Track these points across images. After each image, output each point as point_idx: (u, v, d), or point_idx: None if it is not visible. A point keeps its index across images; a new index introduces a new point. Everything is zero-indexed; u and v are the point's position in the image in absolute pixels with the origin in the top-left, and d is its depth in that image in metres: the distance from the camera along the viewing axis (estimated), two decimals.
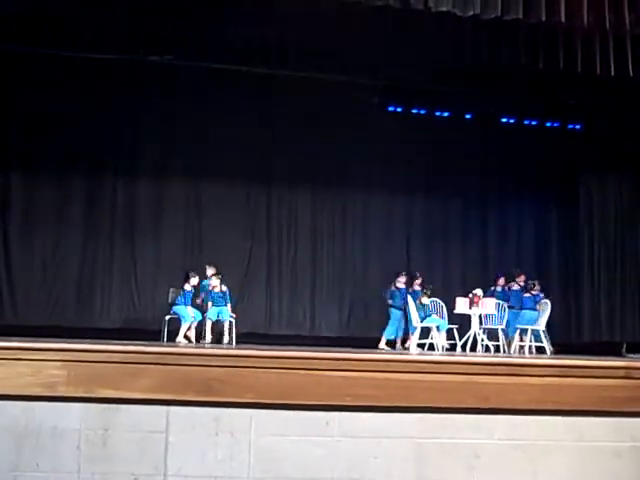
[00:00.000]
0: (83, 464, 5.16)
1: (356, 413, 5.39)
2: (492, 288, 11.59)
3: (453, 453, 5.41)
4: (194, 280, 10.54)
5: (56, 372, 5.10)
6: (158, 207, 12.18)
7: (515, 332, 11.01)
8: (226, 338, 10.34)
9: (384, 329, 11.47)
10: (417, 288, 11.30)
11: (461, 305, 10.73)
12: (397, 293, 11.37)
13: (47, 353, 5.16)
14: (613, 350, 11.29)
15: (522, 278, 11.65)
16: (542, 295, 11.24)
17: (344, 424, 5.38)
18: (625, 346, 11.74)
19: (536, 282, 11.37)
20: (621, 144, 12.09)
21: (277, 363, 5.39)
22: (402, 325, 11.26)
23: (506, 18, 7.99)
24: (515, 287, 11.57)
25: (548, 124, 13.01)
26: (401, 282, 11.41)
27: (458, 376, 5.50)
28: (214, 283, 10.56)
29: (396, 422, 5.43)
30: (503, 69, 9.83)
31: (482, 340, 10.66)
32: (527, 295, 11.13)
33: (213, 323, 10.39)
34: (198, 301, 10.57)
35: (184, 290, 10.42)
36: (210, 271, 10.71)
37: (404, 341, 11.10)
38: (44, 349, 5.21)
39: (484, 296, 10.82)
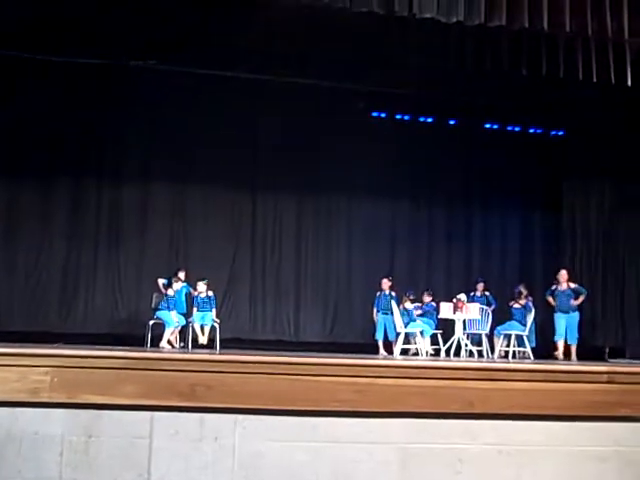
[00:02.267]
0: (65, 470, 5.12)
1: (341, 418, 5.38)
2: (472, 293, 11.62)
3: (438, 458, 5.41)
4: (177, 285, 10.52)
5: (40, 378, 5.06)
6: (142, 213, 12.15)
7: (500, 337, 11.04)
8: (202, 339, 10.31)
9: (367, 334, 11.53)
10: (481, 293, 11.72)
11: (445, 310, 10.76)
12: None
13: (31, 359, 5.12)
14: (596, 355, 11.36)
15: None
16: (530, 305, 11.22)
17: (329, 429, 5.37)
18: (608, 351, 11.82)
19: (522, 289, 11.38)
20: (604, 150, 12.18)
21: (262, 368, 5.38)
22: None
23: (490, 25, 8.04)
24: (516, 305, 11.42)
25: (531, 130, 13.12)
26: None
27: (442, 381, 5.51)
28: (200, 288, 10.56)
29: (381, 427, 5.43)
30: (486, 75, 9.87)
31: (466, 345, 10.68)
32: (517, 306, 11.12)
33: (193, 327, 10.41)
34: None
35: (167, 295, 10.39)
36: (182, 275, 10.70)
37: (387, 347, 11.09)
38: (29, 355, 5.17)
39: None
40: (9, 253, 11.54)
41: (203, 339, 10.32)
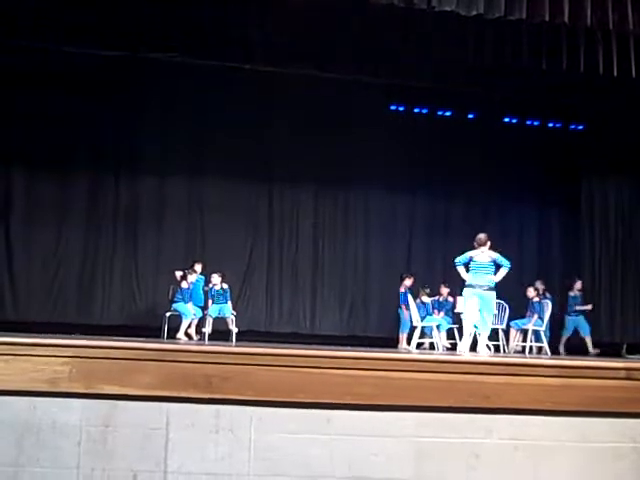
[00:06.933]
0: (83, 460, 5.15)
1: (356, 411, 5.38)
2: None
3: (453, 452, 5.39)
4: (191, 277, 10.56)
5: (58, 368, 5.10)
6: (160, 204, 12.21)
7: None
8: (207, 329, 10.32)
9: (384, 327, 11.57)
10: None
11: (462, 304, 10.72)
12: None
13: (50, 349, 5.16)
14: (613, 351, 11.30)
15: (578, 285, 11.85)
16: (548, 300, 11.23)
17: (344, 422, 5.37)
18: (625, 347, 11.75)
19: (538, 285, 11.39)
20: (623, 145, 12.09)
21: (278, 361, 5.38)
22: None
23: (510, 18, 7.99)
24: (572, 293, 11.79)
25: (550, 124, 13.06)
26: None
27: (458, 375, 5.49)
28: (215, 281, 10.59)
29: (396, 421, 5.42)
30: (506, 69, 9.82)
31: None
32: (536, 300, 11.10)
33: (213, 320, 10.45)
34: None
35: (181, 288, 10.44)
36: (198, 268, 10.74)
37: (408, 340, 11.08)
38: (47, 345, 5.21)
39: None
40: (27, 244, 11.62)
41: (207, 329, 10.36)
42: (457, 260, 8.95)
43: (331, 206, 12.82)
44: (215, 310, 10.48)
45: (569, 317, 11.82)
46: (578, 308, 11.79)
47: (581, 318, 11.77)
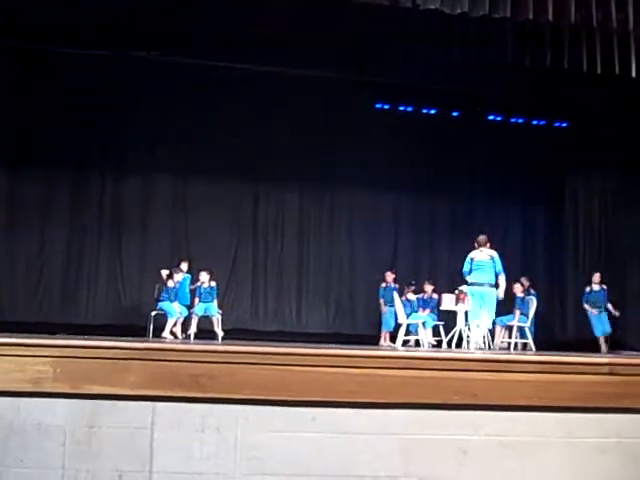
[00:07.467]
0: (68, 460, 5.12)
1: (343, 409, 5.38)
2: None
3: (440, 449, 5.40)
4: (178, 276, 10.52)
5: (42, 368, 5.07)
6: (145, 204, 12.17)
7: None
8: (192, 329, 10.28)
9: (369, 325, 11.57)
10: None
11: (447, 302, 10.77)
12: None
13: (34, 349, 5.12)
14: (596, 347, 11.36)
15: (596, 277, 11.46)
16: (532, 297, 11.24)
17: (331, 420, 5.36)
18: (608, 343, 11.81)
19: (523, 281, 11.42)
20: (607, 142, 12.16)
21: (264, 359, 5.37)
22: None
23: (494, 16, 8.01)
24: (596, 287, 11.44)
25: (535, 122, 13.10)
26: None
27: (444, 372, 5.49)
28: (203, 278, 10.56)
29: (383, 418, 5.42)
30: (490, 67, 9.85)
31: (467, 337, 10.67)
32: (520, 295, 11.14)
33: (200, 319, 10.41)
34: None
35: (167, 286, 10.40)
36: (185, 266, 10.70)
37: (392, 338, 11.10)
38: (31, 345, 5.17)
39: None
40: (11, 244, 11.56)
41: (193, 328, 10.32)
42: (464, 270, 9.23)
43: (316, 205, 12.83)
44: (201, 309, 10.44)
45: (596, 316, 11.33)
46: (588, 307, 11.42)
47: (604, 315, 11.36)
